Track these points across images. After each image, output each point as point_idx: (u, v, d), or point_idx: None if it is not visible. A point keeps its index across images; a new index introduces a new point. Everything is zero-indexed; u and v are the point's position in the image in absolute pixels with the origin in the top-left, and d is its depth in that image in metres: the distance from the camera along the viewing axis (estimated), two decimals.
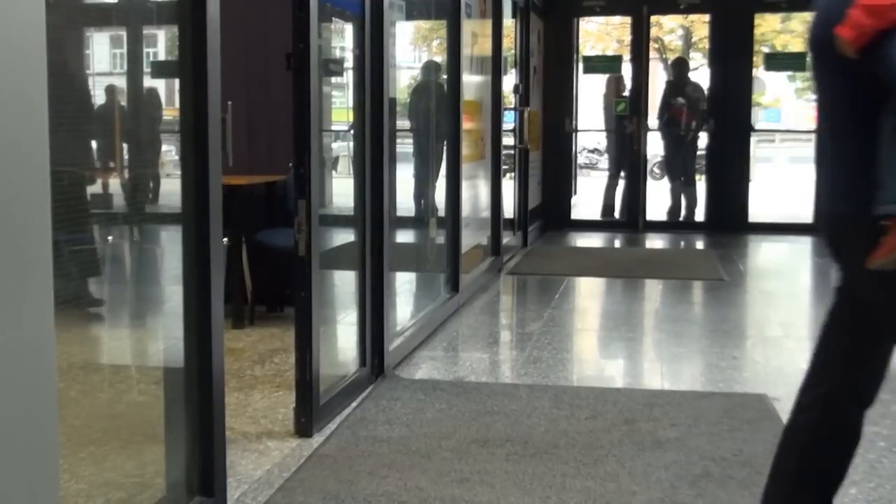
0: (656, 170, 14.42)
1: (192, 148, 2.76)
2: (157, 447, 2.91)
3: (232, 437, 3.45)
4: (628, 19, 11.70)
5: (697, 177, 11.65)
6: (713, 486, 3.20)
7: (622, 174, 11.47)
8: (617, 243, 10.28)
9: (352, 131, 4.55)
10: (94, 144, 3.13)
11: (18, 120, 1.72)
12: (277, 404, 4.12)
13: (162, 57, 4.12)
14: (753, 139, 11.88)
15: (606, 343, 5.67)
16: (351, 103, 4.53)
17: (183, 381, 2.84)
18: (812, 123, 11.25)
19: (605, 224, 11.35)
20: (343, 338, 4.57)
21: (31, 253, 1.76)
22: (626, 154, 11.35)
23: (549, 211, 10.92)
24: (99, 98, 4.08)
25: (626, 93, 11.37)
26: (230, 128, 2.94)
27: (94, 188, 3.14)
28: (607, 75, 11.63)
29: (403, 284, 5.96)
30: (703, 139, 11.39)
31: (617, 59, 12.42)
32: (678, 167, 11.40)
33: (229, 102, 3.10)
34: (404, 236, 6.33)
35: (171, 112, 3.47)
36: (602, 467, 3.37)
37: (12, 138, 1.71)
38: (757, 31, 11.98)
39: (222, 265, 2.90)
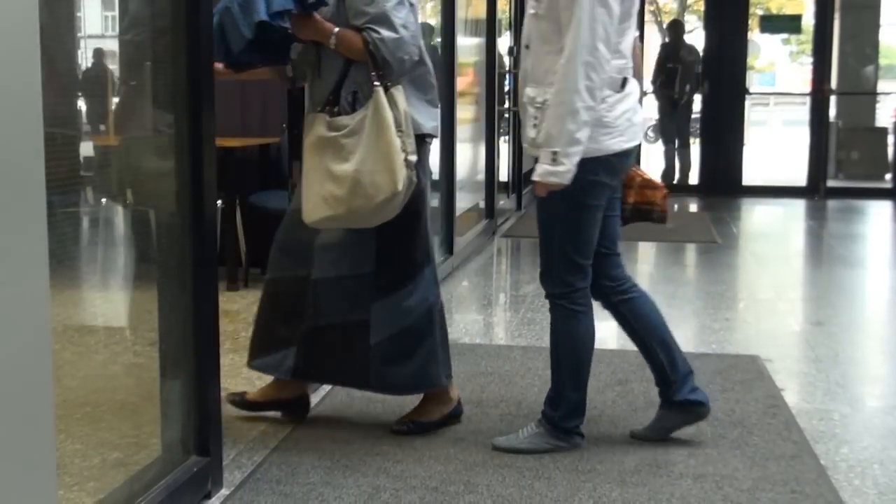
0: (650, 133, 14.39)
1: (184, 109, 2.75)
2: (153, 408, 2.92)
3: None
4: None
5: (692, 140, 11.64)
6: (705, 446, 3.23)
7: None
8: None
9: None
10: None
11: (10, 82, 1.71)
12: None
13: None
14: (748, 102, 11.86)
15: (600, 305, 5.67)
16: None
17: (179, 342, 2.85)
18: (806, 86, 11.27)
19: None
20: None
21: (24, 214, 1.76)
22: None
23: None
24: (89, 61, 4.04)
25: None
26: None
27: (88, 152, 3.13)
28: None
29: None
30: (697, 102, 11.36)
31: None
32: (672, 130, 11.38)
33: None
34: None
35: None
36: (595, 427, 3.39)
37: (5, 100, 1.70)
38: None
39: (215, 227, 2.90)
